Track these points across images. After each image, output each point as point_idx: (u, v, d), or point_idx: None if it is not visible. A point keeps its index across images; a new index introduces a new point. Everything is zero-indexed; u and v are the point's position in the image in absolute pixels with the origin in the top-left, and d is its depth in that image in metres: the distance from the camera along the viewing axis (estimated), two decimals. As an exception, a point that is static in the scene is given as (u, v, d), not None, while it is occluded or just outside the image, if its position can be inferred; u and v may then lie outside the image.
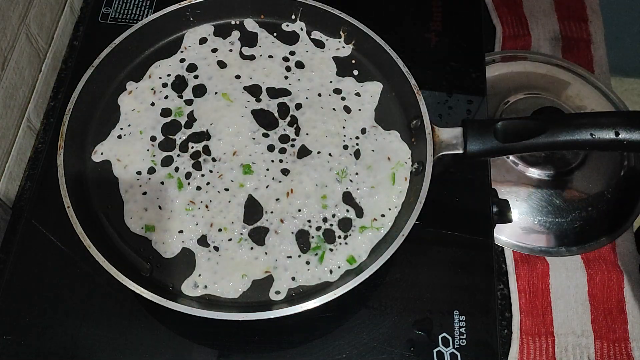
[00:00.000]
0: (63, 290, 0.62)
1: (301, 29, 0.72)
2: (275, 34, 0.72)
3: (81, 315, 0.61)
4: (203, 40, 0.71)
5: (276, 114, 0.66)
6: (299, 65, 0.69)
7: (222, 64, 0.69)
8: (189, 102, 0.67)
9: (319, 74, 0.69)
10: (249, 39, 0.71)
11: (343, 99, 0.67)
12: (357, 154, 0.64)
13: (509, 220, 0.67)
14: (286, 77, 0.69)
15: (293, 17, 0.72)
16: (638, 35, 1.39)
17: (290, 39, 0.71)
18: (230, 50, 0.70)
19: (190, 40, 0.71)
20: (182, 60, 0.70)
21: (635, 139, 0.54)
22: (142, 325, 0.60)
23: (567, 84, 0.83)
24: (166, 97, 0.67)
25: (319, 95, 0.67)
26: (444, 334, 0.60)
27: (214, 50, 0.70)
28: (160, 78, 0.69)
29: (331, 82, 0.68)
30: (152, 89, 0.68)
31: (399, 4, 0.81)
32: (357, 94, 0.68)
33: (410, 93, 0.64)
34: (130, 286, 0.53)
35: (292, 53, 0.70)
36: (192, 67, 0.69)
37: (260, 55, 0.70)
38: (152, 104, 0.67)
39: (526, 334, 0.67)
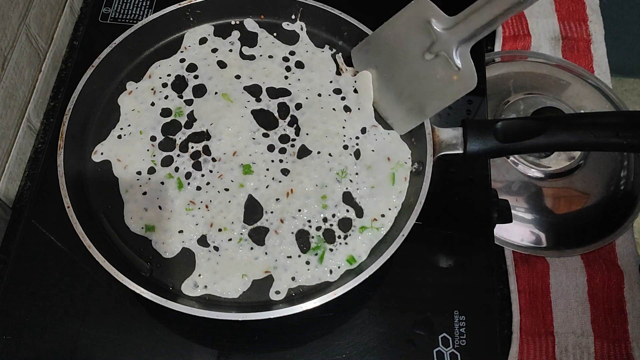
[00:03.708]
0: (63, 290, 0.62)
1: (301, 29, 0.72)
2: (275, 34, 0.72)
3: (81, 315, 0.61)
4: (203, 40, 0.71)
5: (276, 114, 0.66)
6: (299, 65, 0.69)
7: (222, 64, 0.69)
8: (189, 102, 0.67)
9: (319, 74, 0.69)
10: (249, 39, 0.71)
11: (343, 98, 0.67)
12: (357, 154, 0.64)
13: (509, 220, 0.67)
14: (286, 77, 0.69)
15: (293, 17, 0.72)
16: (638, 35, 1.39)
17: (291, 39, 0.71)
18: (230, 50, 0.70)
19: (190, 40, 0.71)
20: (182, 60, 0.70)
21: (635, 139, 0.54)
22: (142, 325, 0.60)
23: (567, 84, 0.83)
24: (166, 97, 0.67)
25: (319, 95, 0.67)
26: (444, 334, 0.60)
27: (214, 51, 0.70)
28: (160, 78, 0.69)
29: (331, 82, 0.68)
30: (152, 89, 0.68)
31: (398, 4, 0.81)
32: (355, 91, 0.67)
33: (410, 93, 0.64)
34: (130, 286, 0.53)
35: (292, 53, 0.70)
36: (192, 67, 0.69)
37: (260, 55, 0.70)
38: (152, 104, 0.67)
39: (526, 334, 0.67)
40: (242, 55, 0.70)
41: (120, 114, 0.66)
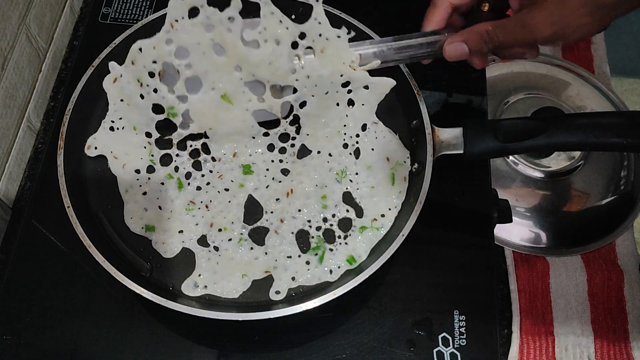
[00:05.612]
0: (63, 290, 0.62)
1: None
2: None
3: (81, 315, 0.61)
4: (194, 12, 0.56)
5: (279, 114, 0.65)
6: (309, 53, 0.60)
7: (218, 50, 0.58)
8: (182, 99, 0.60)
9: (331, 68, 0.60)
10: (251, 16, 0.58)
11: (349, 92, 0.62)
12: (357, 153, 0.64)
13: (509, 220, 0.67)
14: (294, 72, 0.60)
15: (293, 17, 0.71)
16: (638, 35, 1.39)
17: (302, 17, 0.61)
18: (229, 30, 0.57)
19: (176, 11, 0.55)
20: (169, 42, 0.57)
21: (635, 139, 0.54)
22: (142, 325, 0.60)
23: (567, 84, 0.83)
24: (155, 91, 0.59)
25: (326, 93, 0.61)
26: (444, 334, 0.60)
27: (209, 29, 0.57)
28: (144, 67, 0.58)
29: (342, 75, 0.60)
30: (139, 81, 0.59)
31: (399, 4, 0.81)
32: (366, 87, 0.63)
33: (410, 93, 0.64)
34: (130, 286, 0.53)
35: (302, 36, 0.59)
36: (182, 53, 0.58)
37: (265, 41, 0.58)
38: (142, 97, 0.60)
39: (526, 334, 0.67)
40: (244, 42, 0.58)
41: (108, 103, 0.61)
